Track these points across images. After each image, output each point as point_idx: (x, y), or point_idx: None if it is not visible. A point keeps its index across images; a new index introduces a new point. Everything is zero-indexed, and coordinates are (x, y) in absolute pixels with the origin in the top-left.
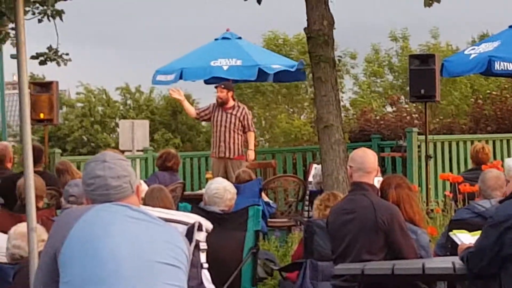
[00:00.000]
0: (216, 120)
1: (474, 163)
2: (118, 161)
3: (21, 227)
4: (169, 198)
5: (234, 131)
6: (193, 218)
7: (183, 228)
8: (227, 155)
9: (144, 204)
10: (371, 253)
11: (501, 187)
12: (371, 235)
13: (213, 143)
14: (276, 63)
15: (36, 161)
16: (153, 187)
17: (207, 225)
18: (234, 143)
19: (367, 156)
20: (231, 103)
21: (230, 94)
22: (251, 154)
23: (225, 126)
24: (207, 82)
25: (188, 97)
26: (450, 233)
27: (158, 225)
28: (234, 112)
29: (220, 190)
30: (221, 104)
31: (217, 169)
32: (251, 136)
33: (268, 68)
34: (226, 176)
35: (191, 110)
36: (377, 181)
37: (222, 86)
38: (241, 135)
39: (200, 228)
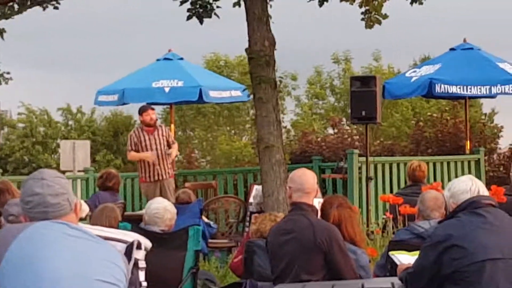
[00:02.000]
0: (145, 145)
1: (411, 180)
2: (56, 178)
3: None
4: (117, 219)
5: (164, 153)
6: (132, 236)
7: (121, 247)
8: (163, 177)
9: (92, 222)
10: (310, 273)
11: (440, 208)
12: (310, 255)
13: (143, 167)
14: (218, 86)
15: None
16: (105, 206)
17: (146, 243)
18: (166, 163)
19: (306, 177)
20: (154, 125)
21: (155, 114)
22: (174, 151)
23: (157, 149)
24: (149, 103)
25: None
26: (390, 253)
27: (97, 243)
28: (160, 133)
29: (160, 210)
30: (150, 126)
31: (152, 192)
32: (175, 147)
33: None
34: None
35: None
36: (318, 202)
37: (151, 108)
38: (169, 155)
39: (139, 246)
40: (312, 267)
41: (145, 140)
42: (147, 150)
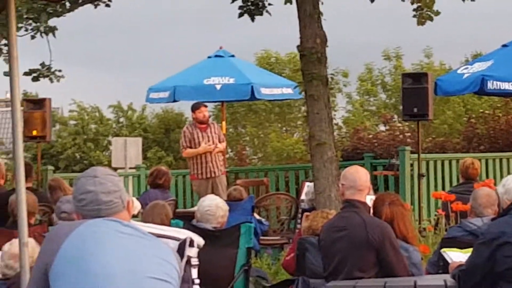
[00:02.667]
0: (199, 141)
1: (464, 178)
2: (109, 176)
3: (15, 247)
4: (169, 216)
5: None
6: (184, 233)
7: (174, 244)
8: (215, 174)
9: (143, 219)
10: (362, 271)
11: (492, 205)
12: (362, 252)
13: (195, 164)
14: (270, 83)
15: (27, 177)
16: (156, 203)
17: (199, 240)
18: (218, 160)
19: (359, 174)
20: (207, 122)
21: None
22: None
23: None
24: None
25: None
26: (442, 251)
27: (149, 240)
28: (212, 130)
29: (213, 207)
30: (203, 123)
31: (204, 189)
32: (223, 146)
33: (262, 94)
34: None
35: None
36: (370, 199)
37: (205, 105)
38: (223, 154)
39: (191, 243)
40: (364, 264)
41: (198, 137)
42: (198, 146)
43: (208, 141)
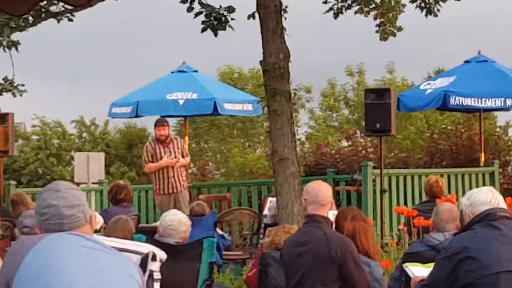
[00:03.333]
0: (161, 157)
1: (428, 196)
2: (71, 190)
3: None
4: (131, 231)
5: (181, 167)
6: (146, 248)
7: (136, 258)
8: (178, 189)
9: (106, 234)
10: (325, 285)
11: (454, 220)
12: (325, 267)
13: (158, 179)
14: (232, 98)
15: None
16: (118, 218)
17: (161, 255)
18: (180, 176)
19: (321, 189)
20: (169, 138)
21: (168, 129)
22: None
23: None
24: (163, 116)
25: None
26: (404, 266)
27: (112, 254)
28: (175, 145)
29: (175, 222)
30: (162, 141)
31: (166, 205)
32: (187, 161)
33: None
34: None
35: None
36: (332, 214)
37: (165, 123)
38: (186, 169)
39: (154, 258)
40: (327, 279)
41: (160, 153)
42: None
43: (170, 155)
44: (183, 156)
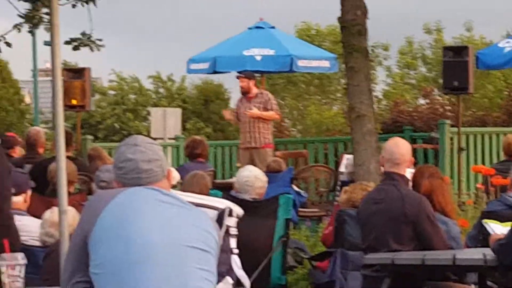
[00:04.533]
0: (241, 111)
1: (506, 155)
2: (149, 145)
3: (55, 215)
4: (208, 186)
5: (259, 120)
6: (223, 203)
7: (213, 213)
8: (253, 145)
9: (183, 189)
10: (400, 243)
11: None
12: (400, 225)
13: (241, 133)
14: (309, 55)
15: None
16: (195, 173)
17: (238, 211)
18: (259, 132)
19: (399, 147)
20: (253, 91)
21: (251, 82)
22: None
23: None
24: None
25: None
26: (483, 221)
27: (189, 209)
28: (258, 100)
29: (251, 178)
30: (244, 93)
31: (244, 160)
32: (270, 114)
33: (299, 67)
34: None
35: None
36: (409, 172)
37: (243, 75)
38: (267, 123)
39: (230, 213)
40: (402, 237)
41: (241, 107)
42: (242, 117)
43: (250, 109)
44: (266, 109)
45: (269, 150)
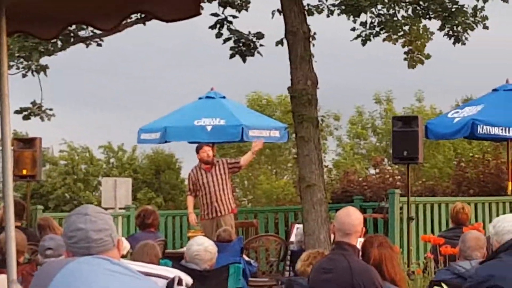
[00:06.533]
0: (202, 183)
1: (454, 223)
2: (100, 214)
3: (4, 285)
4: (158, 256)
5: (224, 187)
6: (173, 272)
7: (162, 283)
8: (222, 213)
9: (133, 259)
10: None
11: (481, 248)
12: None
13: (202, 205)
14: (259, 125)
15: (17, 217)
16: (145, 243)
17: (187, 279)
18: (226, 199)
19: (351, 217)
20: (213, 161)
21: (213, 150)
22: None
23: (215, 186)
24: (191, 142)
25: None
26: None
27: (139, 279)
28: (217, 169)
29: (201, 252)
30: (207, 163)
31: (209, 230)
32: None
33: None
34: None
35: (191, 204)
36: (359, 241)
37: (208, 145)
38: (230, 189)
39: (180, 282)
40: None
41: (202, 179)
42: (204, 189)
43: (213, 181)
44: (235, 167)
45: (231, 215)
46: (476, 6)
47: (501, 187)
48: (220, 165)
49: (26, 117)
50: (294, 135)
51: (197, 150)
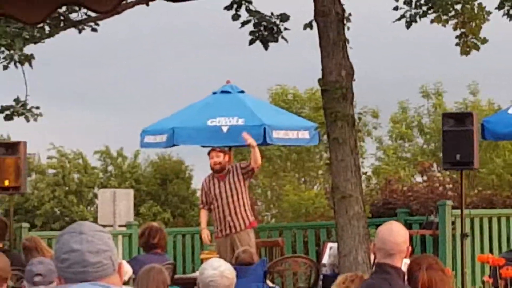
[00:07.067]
0: (214, 194)
1: None
2: (98, 233)
3: None
4: (166, 283)
5: (239, 197)
6: None
7: None
8: (236, 229)
9: (137, 286)
10: None
11: None
12: None
13: (216, 220)
14: (285, 125)
15: None
16: (151, 267)
17: None
18: (241, 211)
19: (394, 234)
20: (226, 168)
21: (227, 157)
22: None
23: (228, 197)
24: (204, 146)
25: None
26: None
27: None
28: (231, 176)
29: (216, 277)
30: (217, 171)
31: (224, 250)
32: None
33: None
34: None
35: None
36: (404, 263)
37: (218, 149)
38: (246, 199)
39: None
40: None
41: (214, 189)
42: (216, 201)
43: (226, 191)
44: (248, 171)
45: (250, 230)
46: None
47: None
48: (233, 171)
49: (8, 117)
50: (326, 136)
51: (208, 154)
